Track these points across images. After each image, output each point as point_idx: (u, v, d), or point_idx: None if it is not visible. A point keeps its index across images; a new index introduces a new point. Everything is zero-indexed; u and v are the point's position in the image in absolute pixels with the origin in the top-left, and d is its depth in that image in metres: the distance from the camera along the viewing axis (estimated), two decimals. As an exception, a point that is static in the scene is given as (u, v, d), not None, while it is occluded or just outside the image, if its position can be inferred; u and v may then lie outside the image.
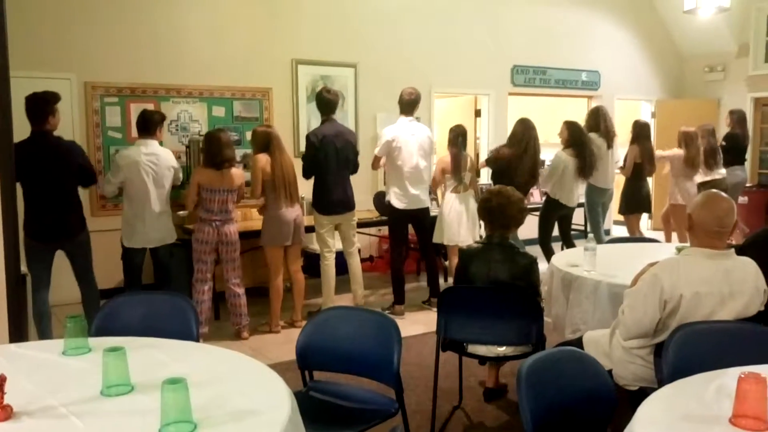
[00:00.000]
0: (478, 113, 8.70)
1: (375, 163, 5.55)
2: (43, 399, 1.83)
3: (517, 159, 5.93)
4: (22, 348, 2.37)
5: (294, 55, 6.87)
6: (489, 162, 6.33)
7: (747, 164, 8.54)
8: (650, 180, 7.63)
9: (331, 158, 5.15)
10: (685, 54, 10.30)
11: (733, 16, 9.09)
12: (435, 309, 3.41)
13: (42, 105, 4.30)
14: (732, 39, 9.64)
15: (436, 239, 5.80)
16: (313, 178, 5.27)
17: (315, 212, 5.29)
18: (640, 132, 6.97)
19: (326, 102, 5.20)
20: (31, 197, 4.31)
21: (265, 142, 4.96)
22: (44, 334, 4.25)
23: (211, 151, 4.74)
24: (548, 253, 6.02)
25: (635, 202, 7.01)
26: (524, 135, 5.98)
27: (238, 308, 4.94)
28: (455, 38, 7.94)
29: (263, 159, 4.89)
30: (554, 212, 6.40)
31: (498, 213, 3.40)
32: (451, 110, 9.00)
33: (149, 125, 4.81)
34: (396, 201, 5.43)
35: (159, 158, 4.78)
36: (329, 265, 5.33)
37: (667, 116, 9.65)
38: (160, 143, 4.97)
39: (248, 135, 6.59)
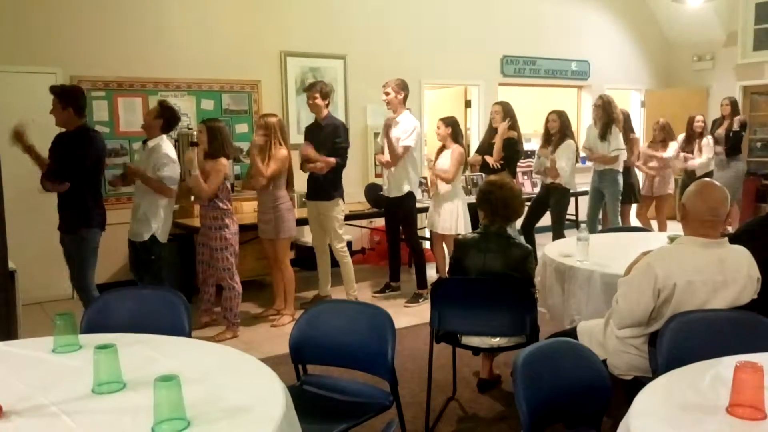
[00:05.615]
0: (468, 104, 8.69)
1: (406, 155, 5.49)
2: (34, 398, 1.80)
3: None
4: (10, 346, 2.32)
5: (283, 47, 6.82)
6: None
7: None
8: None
9: None
10: (674, 43, 10.31)
11: (721, 4, 9.11)
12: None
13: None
14: (720, 28, 9.66)
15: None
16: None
17: (340, 200, 5.32)
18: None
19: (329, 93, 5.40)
20: (96, 187, 4.35)
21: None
22: None
23: (227, 141, 4.69)
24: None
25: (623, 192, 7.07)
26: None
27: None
28: (445, 29, 7.91)
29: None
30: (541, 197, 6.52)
31: (501, 206, 3.38)
32: (441, 101, 8.98)
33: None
34: (416, 190, 5.62)
35: None
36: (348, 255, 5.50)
37: (657, 106, 9.67)
38: None
39: (237, 128, 6.58)
